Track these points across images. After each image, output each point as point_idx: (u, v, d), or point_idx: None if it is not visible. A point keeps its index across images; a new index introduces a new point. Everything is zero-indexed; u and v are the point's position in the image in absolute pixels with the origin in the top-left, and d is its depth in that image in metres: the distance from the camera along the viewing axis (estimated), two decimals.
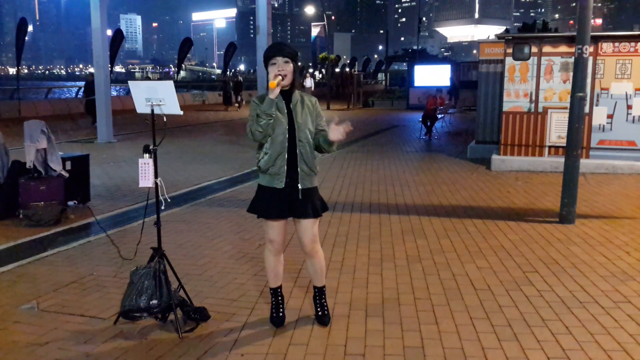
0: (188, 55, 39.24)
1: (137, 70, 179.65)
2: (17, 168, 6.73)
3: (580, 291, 4.46)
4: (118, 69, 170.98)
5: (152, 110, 3.84)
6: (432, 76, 27.17)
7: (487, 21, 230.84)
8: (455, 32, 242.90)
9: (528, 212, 7.18)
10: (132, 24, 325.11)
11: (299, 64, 3.60)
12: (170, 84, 3.84)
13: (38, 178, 6.56)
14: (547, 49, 10.08)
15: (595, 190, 8.47)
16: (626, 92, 9.81)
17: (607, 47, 9.76)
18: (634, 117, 9.84)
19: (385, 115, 25.34)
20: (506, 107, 10.38)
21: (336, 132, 3.45)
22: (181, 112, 3.84)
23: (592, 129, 9.96)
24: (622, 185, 8.90)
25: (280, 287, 3.84)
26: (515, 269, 4.98)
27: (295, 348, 3.49)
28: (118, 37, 26.20)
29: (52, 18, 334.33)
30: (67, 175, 6.80)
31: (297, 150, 3.51)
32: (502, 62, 10.80)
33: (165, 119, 3.84)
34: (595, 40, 9.62)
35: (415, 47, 57.05)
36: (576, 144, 6.61)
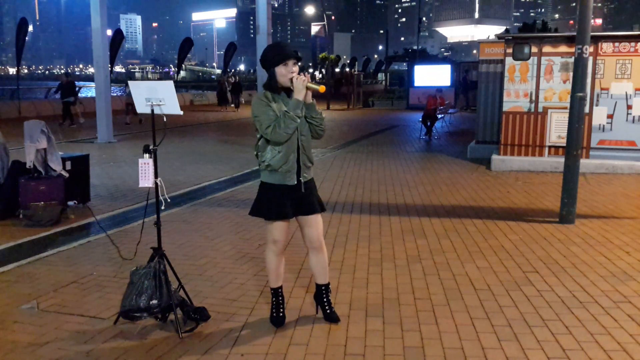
0: (188, 55, 39.21)
1: (137, 70, 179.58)
2: (17, 168, 6.73)
3: (580, 291, 4.46)
4: (118, 69, 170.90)
5: (152, 110, 3.84)
6: (432, 76, 27.17)
7: (487, 21, 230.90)
8: (455, 32, 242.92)
9: (528, 212, 7.18)
10: (132, 24, 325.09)
11: (300, 63, 3.61)
12: (170, 84, 3.84)
13: (38, 178, 6.56)
14: (547, 49, 10.08)
15: (595, 190, 8.47)
16: (626, 92, 9.81)
17: (607, 47, 9.77)
18: (634, 117, 9.84)
19: (385, 115, 25.34)
20: (506, 107, 10.38)
21: (300, 94, 3.41)
22: (181, 112, 3.85)
23: (592, 129, 9.96)
24: (622, 185, 8.90)
25: (281, 287, 3.84)
26: (515, 269, 4.98)
27: (296, 348, 3.49)
28: (118, 37, 26.22)
29: (52, 18, 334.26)
30: (67, 175, 6.80)
31: (299, 144, 3.54)
32: (502, 62, 10.80)
33: (165, 119, 3.84)
34: (595, 40, 9.62)
35: (415, 47, 57.06)
36: (576, 144, 6.61)
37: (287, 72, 3.45)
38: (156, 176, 3.86)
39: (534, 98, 10.23)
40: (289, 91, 3.51)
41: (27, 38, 24.53)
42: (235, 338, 3.63)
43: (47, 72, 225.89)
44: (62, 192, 6.66)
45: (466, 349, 3.49)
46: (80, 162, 7.46)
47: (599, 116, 9.94)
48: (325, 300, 3.86)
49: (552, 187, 8.70)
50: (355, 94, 31.22)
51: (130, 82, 4.07)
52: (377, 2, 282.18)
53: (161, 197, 3.90)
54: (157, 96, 3.80)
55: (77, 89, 19.87)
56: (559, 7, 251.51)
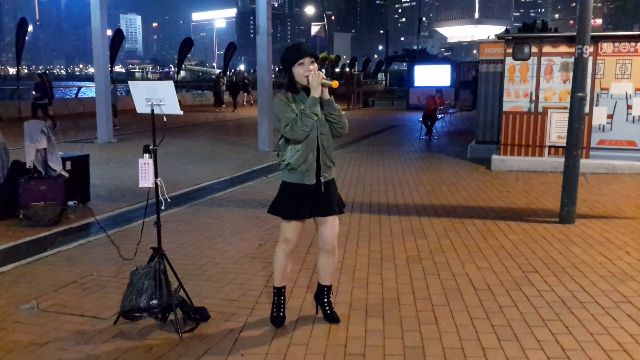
0: (188, 55, 39.18)
1: (137, 70, 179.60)
2: (17, 168, 6.73)
3: (580, 291, 4.46)
4: (118, 69, 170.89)
5: (152, 110, 3.84)
6: (432, 76, 27.17)
7: (487, 21, 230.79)
8: (455, 32, 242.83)
9: (528, 212, 7.18)
10: (132, 24, 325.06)
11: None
12: (170, 84, 3.84)
13: (38, 178, 6.57)
14: (547, 49, 10.08)
15: (595, 190, 8.47)
16: (626, 92, 9.81)
17: (607, 47, 9.77)
18: (634, 117, 9.84)
19: (385, 115, 25.34)
20: (506, 107, 10.38)
21: (317, 91, 3.41)
22: (181, 112, 3.85)
23: (592, 129, 9.95)
24: (622, 185, 8.90)
25: (284, 287, 3.84)
26: (515, 269, 4.98)
27: (296, 348, 3.49)
28: (118, 37, 26.20)
29: (52, 18, 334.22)
30: (67, 175, 6.80)
31: (319, 144, 3.53)
32: (502, 62, 10.80)
33: (165, 119, 3.84)
34: (595, 40, 9.62)
35: (415, 47, 57.07)
36: (576, 144, 6.61)
37: (304, 71, 3.45)
38: (156, 176, 3.86)
39: (534, 98, 10.23)
40: (308, 91, 3.50)
41: (27, 38, 24.52)
42: (235, 338, 3.63)
43: (47, 72, 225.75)
44: (62, 192, 6.66)
45: (466, 349, 3.49)
46: (80, 162, 7.46)
47: (599, 116, 9.94)
48: (326, 300, 3.87)
49: (552, 187, 8.70)
50: (355, 94, 31.23)
51: (130, 82, 4.07)
52: (377, 2, 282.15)
53: (161, 197, 3.90)
54: (157, 96, 3.80)
55: (52, 90, 18.42)
56: (559, 7, 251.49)
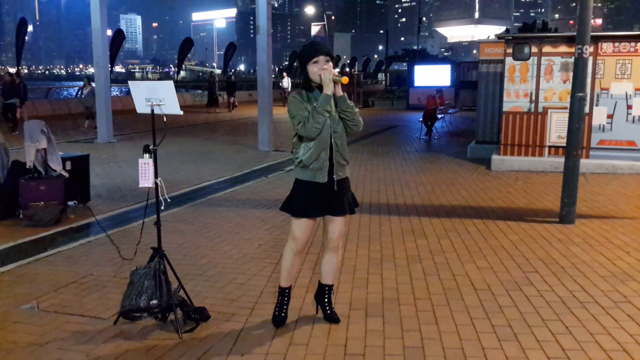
0: (188, 55, 39.16)
1: (137, 70, 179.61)
2: (17, 168, 6.73)
3: (580, 291, 4.46)
4: (118, 69, 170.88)
5: (152, 110, 3.84)
6: (432, 76, 27.17)
7: (487, 21, 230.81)
8: (455, 32, 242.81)
9: (528, 212, 7.18)
10: (132, 24, 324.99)
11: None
12: (170, 84, 3.84)
13: (38, 178, 6.56)
14: (547, 49, 10.08)
15: (595, 190, 8.47)
16: (626, 92, 9.81)
17: (607, 47, 9.77)
18: (634, 117, 9.84)
19: (385, 115, 25.35)
20: (506, 107, 10.38)
21: (327, 85, 3.40)
22: (181, 112, 3.85)
23: (592, 129, 9.96)
24: (622, 185, 8.90)
25: (290, 287, 3.83)
26: (515, 269, 4.98)
27: (296, 348, 3.49)
28: (118, 37, 26.22)
29: (52, 18, 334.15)
30: (67, 175, 6.80)
31: (333, 142, 3.53)
32: (502, 62, 10.80)
33: (165, 119, 3.84)
34: (595, 40, 9.63)
35: (415, 47, 57.04)
36: (576, 144, 6.61)
37: (318, 70, 3.44)
38: (156, 176, 3.86)
39: (534, 98, 10.23)
40: (320, 87, 3.50)
41: (27, 38, 24.54)
42: (235, 338, 3.63)
43: (47, 72, 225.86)
44: (62, 192, 6.66)
45: (466, 349, 3.49)
46: (80, 162, 7.46)
47: (599, 116, 9.94)
48: (326, 300, 3.87)
49: (552, 187, 8.70)
50: (355, 94, 31.23)
51: (130, 82, 4.07)
52: (377, 2, 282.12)
53: (161, 197, 3.89)
54: (157, 96, 3.80)
55: (25, 90, 16.78)
56: (559, 7, 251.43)
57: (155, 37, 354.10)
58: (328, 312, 3.86)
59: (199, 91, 36.23)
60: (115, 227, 6.38)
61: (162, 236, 4.02)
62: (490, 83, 11.72)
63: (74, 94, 29.27)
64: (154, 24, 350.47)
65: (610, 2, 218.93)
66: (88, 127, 17.07)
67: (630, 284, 4.60)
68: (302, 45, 3.75)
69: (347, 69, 50.02)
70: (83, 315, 3.96)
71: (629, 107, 9.84)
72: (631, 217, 6.91)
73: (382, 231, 6.22)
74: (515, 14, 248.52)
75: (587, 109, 9.28)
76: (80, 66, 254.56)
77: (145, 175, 3.85)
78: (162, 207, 4.01)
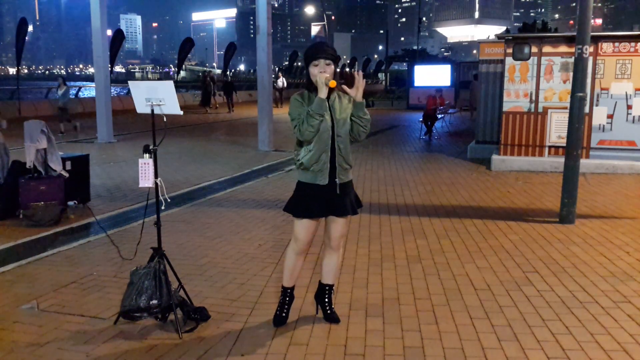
0: (188, 55, 39.13)
1: (137, 70, 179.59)
2: (17, 168, 6.73)
3: (580, 291, 4.46)
4: (118, 69, 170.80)
5: (152, 110, 3.84)
6: (432, 76, 27.15)
7: (487, 21, 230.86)
8: (455, 32, 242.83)
9: (528, 212, 7.18)
10: (132, 24, 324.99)
11: (299, 63, 3.61)
12: (170, 84, 3.84)
13: (38, 178, 6.57)
14: (547, 49, 10.08)
15: (595, 190, 8.47)
16: (626, 92, 9.81)
17: (607, 47, 9.77)
18: (634, 117, 9.84)
19: (385, 115, 25.33)
20: (506, 107, 10.38)
21: (355, 90, 3.47)
22: (181, 112, 3.85)
23: (592, 129, 9.96)
24: (622, 185, 8.90)
25: (292, 288, 3.83)
26: (515, 269, 4.98)
27: (295, 348, 3.49)
28: (118, 37, 26.20)
29: (52, 18, 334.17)
30: (67, 175, 6.80)
31: (336, 146, 3.53)
32: (502, 62, 10.80)
33: (165, 119, 3.84)
34: (595, 40, 9.62)
35: (415, 47, 57.04)
36: (576, 144, 6.61)
37: (318, 72, 3.44)
38: (156, 176, 3.86)
39: (534, 98, 10.23)
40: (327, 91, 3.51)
41: (27, 38, 24.53)
42: (235, 338, 3.63)
43: (47, 72, 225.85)
44: (62, 192, 6.66)
45: (466, 349, 3.49)
46: (80, 162, 7.46)
47: (599, 116, 9.94)
48: (326, 300, 3.87)
49: (552, 187, 8.70)
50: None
51: (130, 82, 4.07)
52: (377, 2, 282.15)
53: (161, 197, 3.90)
54: (157, 96, 3.80)
55: None
56: (559, 7, 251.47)
57: (155, 37, 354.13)
58: (328, 312, 3.86)
59: (199, 91, 36.17)
60: (115, 227, 6.38)
61: (162, 236, 4.02)
62: (490, 83, 11.72)
63: (74, 94, 29.18)
64: (154, 24, 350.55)
65: (610, 2, 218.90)
66: (66, 131, 15.93)
67: (630, 284, 4.60)
68: (302, 45, 3.75)
69: (347, 69, 50.04)
70: (83, 315, 3.97)
71: (629, 107, 9.84)
72: (631, 217, 6.91)
73: (382, 231, 6.22)
74: (515, 14, 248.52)
75: (587, 109, 9.27)
76: (80, 66, 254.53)
77: (145, 175, 3.85)
78: (162, 207, 4.01)
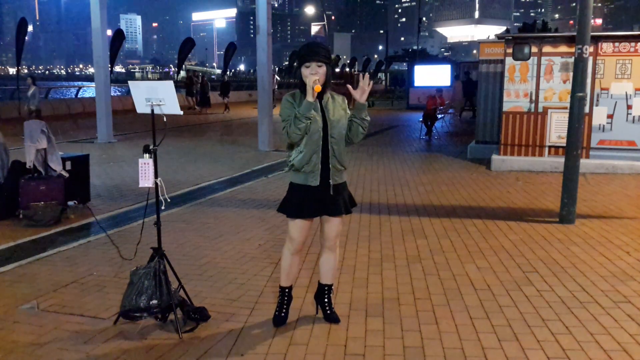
0: (188, 55, 39.07)
1: (137, 70, 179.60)
2: (17, 168, 6.73)
3: (580, 291, 4.46)
4: (118, 69, 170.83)
5: (152, 110, 3.84)
6: (432, 76, 27.15)
7: (487, 21, 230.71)
8: (455, 32, 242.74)
9: (528, 212, 7.18)
10: (132, 24, 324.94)
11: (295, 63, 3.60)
12: (170, 84, 3.84)
13: (38, 178, 6.57)
14: (547, 49, 10.07)
15: (595, 190, 8.47)
16: (626, 92, 9.80)
17: (607, 47, 9.77)
18: (634, 117, 9.84)
19: (385, 115, 25.33)
20: (506, 107, 10.38)
21: (360, 92, 3.51)
22: (181, 112, 3.85)
23: (592, 129, 9.95)
24: (622, 185, 8.90)
25: (290, 287, 3.83)
26: (515, 269, 4.98)
27: (296, 348, 3.49)
28: (118, 37, 26.18)
29: (52, 18, 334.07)
30: (67, 175, 6.80)
31: (329, 147, 3.53)
32: (502, 62, 10.80)
33: (165, 119, 3.84)
34: (595, 40, 9.62)
35: (415, 47, 57.01)
36: (576, 144, 6.61)
37: (309, 74, 3.43)
38: (156, 176, 3.86)
39: (534, 98, 10.22)
40: (319, 91, 3.48)
41: (27, 38, 24.52)
42: (235, 338, 3.63)
43: (47, 72, 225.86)
44: (62, 192, 6.66)
45: (466, 349, 3.49)
46: (80, 162, 7.46)
47: (599, 116, 9.94)
48: (326, 300, 3.87)
49: (552, 187, 8.70)
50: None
51: (130, 82, 4.07)
52: (377, 2, 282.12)
53: (161, 197, 3.90)
54: (157, 96, 3.80)
55: None
56: (559, 7, 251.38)
57: (155, 37, 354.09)
58: (328, 312, 3.86)
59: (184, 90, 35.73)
60: (115, 227, 6.38)
61: (162, 236, 4.02)
62: (490, 83, 11.72)
63: (74, 94, 29.18)
64: (154, 24, 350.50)
65: (610, 2, 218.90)
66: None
67: (630, 284, 4.60)
68: (302, 45, 3.72)
69: (347, 69, 50.02)
70: (83, 315, 3.96)
71: (629, 107, 9.84)
72: (631, 217, 6.91)
73: (382, 231, 6.22)
74: (515, 14, 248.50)
75: (587, 109, 9.27)
76: (80, 66, 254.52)
77: (145, 175, 3.85)
78: (162, 207, 4.01)
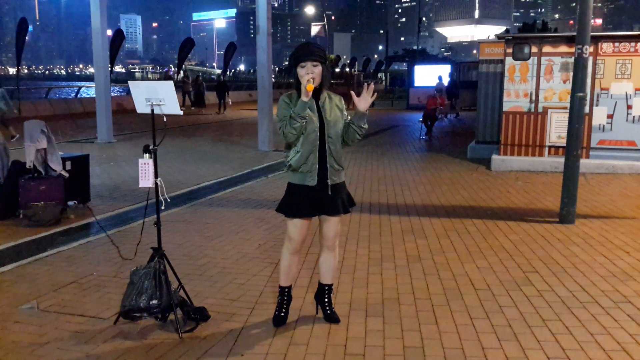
0: (188, 55, 39.05)
1: (137, 70, 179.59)
2: (17, 168, 6.73)
3: (580, 291, 4.46)
4: (118, 69, 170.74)
5: (152, 110, 3.84)
6: (432, 76, 27.12)
7: (487, 21, 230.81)
8: (455, 32, 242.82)
9: (528, 212, 7.18)
10: (132, 24, 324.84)
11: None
12: (170, 84, 3.84)
13: (38, 178, 6.56)
14: (547, 49, 10.07)
15: (595, 190, 8.47)
16: (626, 92, 9.80)
17: (607, 47, 9.77)
18: (634, 117, 9.84)
19: (385, 115, 25.33)
20: (506, 107, 10.38)
21: (363, 101, 3.50)
22: (181, 112, 3.85)
23: (592, 129, 9.95)
24: (622, 185, 8.90)
25: (289, 287, 3.83)
26: (515, 269, 4.98)
27: (296, 348, 3.49)
28: (118, 37, 26.18)
29: (52, 18, 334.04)
30: (67, 175, 6.80)
31: (327, 147, 3.53)
32: (502, 62, 10.80)
33: (165, 119, 3.84)
34: (595, 40, 9.62)
35: (415, 47, 57.00)
36: (576, 144, 6.61)
37: (304, 74, 3.43)
38: (156, 176, 3.86)
39: (534, 98, 10.22)
40: (316, 91, 3.48)
41: (27, 38, 24.52)
42: (235, 338, 3.63)
43: (47, 72, 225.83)
44: (62, 192, 6.66)
45: (466, 349, 3.49)
46: (80, 162, 7.46)
47: (599, 116, 9.94)
48: (326, 300, 3.87)
49: (552, 187, 8.70)
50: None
51: (130, 82, 4.07)
52: (377, 2, 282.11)
53: (161, 197, 3.90)
54: (157, 96, 3.80)
55: None
56: (559, 7, 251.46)
57: (155, 37, 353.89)
58: (328, 312, 3.86)
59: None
60: (115, 227, 6.38)
61: (162, 236, 4.02)
62: (490, 83, 11.72)
63: (74, 94, 29.16)
64: (154, 24, 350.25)
65: (610, 2, 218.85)
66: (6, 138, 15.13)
67: (630, 284, 4.60)
68: (297, 45, 3.71)
69: (347, 69, 50.02)
70: (83, 315, 3.96)
71: (629, 107, 9.84)
72: (631, 217, 6.91)
73: (382, 231, 6.22)
74: (515, 14, 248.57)
75: (587, 109, 9.27)
76: (80, 66, 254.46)
77: (145, 175, 3.85)
78: (162, 207, 4.01)
